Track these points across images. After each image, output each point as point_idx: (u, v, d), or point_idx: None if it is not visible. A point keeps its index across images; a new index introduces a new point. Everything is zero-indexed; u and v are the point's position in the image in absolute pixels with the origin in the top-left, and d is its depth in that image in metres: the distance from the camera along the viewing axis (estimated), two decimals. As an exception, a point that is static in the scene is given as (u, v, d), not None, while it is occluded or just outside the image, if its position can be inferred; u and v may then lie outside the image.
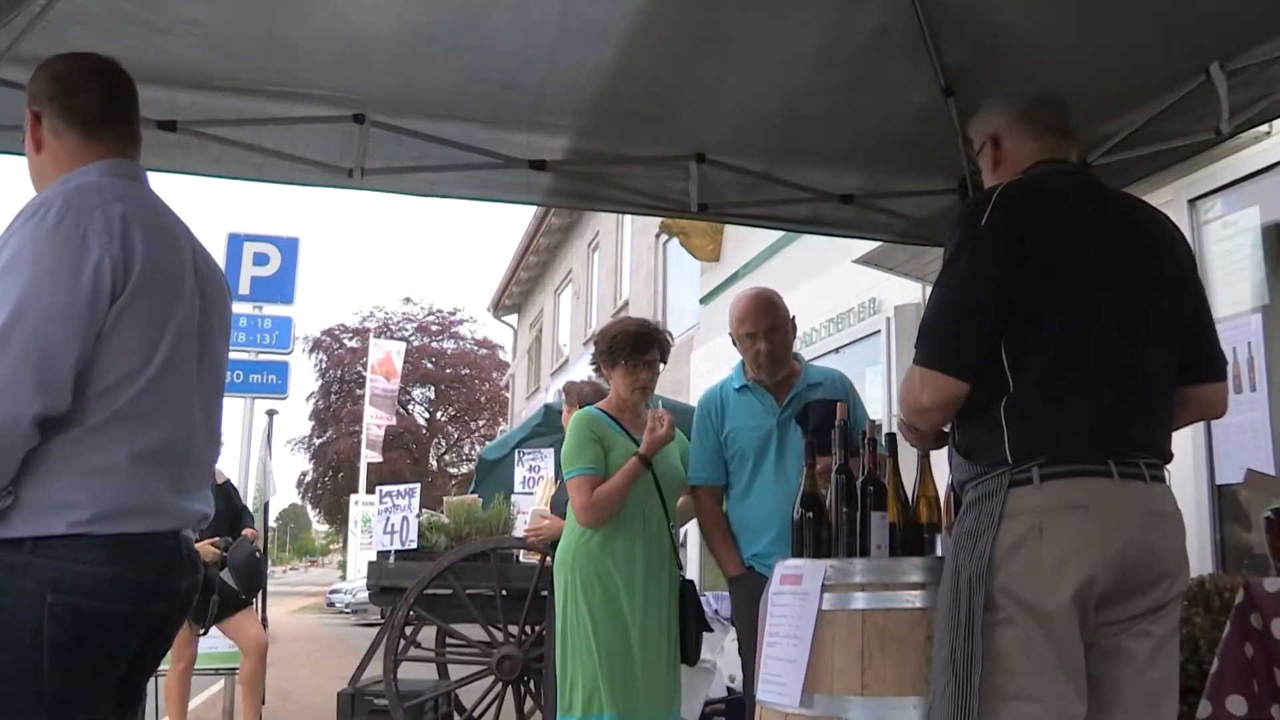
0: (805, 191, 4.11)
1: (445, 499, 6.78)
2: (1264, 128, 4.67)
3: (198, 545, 5.74)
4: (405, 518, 5.96)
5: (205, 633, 6.18)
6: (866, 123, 3.92)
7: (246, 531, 6.37)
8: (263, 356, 8.74)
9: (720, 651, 5.50)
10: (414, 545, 5.94)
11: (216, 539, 6.00)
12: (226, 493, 6.66)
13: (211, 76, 3.32)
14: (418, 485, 6.15)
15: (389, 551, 5.98)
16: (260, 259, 8.79)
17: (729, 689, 5.64)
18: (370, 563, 6.13)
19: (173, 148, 3.42)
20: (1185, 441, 4.80)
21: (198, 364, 2.16)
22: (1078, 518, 2.08)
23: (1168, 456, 2.25)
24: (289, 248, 8.94)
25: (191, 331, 2.13)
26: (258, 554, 6.42)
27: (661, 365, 4.06)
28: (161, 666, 6.45)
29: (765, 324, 3.70)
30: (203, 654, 6.55)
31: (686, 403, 5.95)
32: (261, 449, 8.24)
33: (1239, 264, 4.82)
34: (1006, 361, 2.17)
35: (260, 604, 7.03)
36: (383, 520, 6.01)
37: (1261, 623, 2.69)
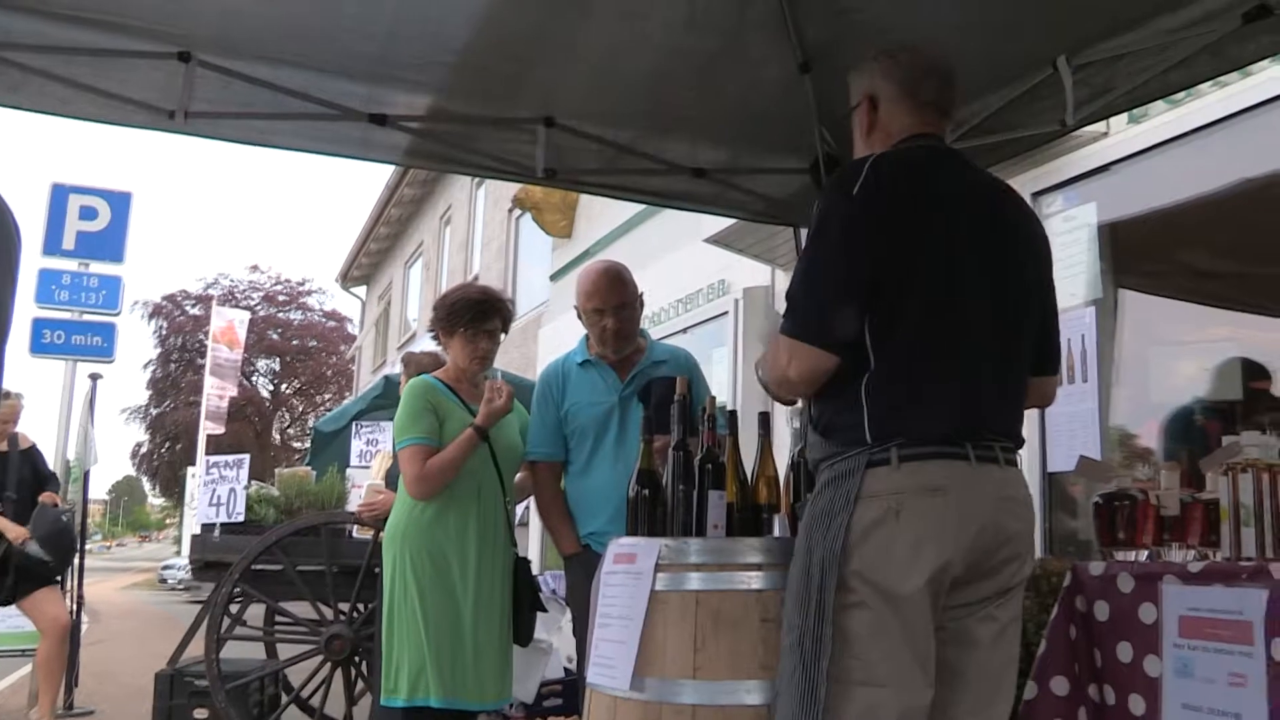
0: (658, 163, 4.01)
1: (277, 470, 6.50)
2: (1102, 127, 4.81)
3: None
4: (232, 489, 5.68)
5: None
6: (724, 95, 3.84)
7: (44, 496, 5.95)
8: (87, 317, 8.21)
9: (557, 631, 5.40)
10: (240, 518, 5.67)
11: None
12: (31, 458, 6.24)
13: (13, -6, 3.02)
14: (246, 456, 5.87)
15: (214, 525, 5.70)
16: (88, 213, 8.25)
17: (566, 669, 5.55)
18: (194, 536, 5.84)
19: (-40, 71, 3.11)
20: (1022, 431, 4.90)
21: None
22: (935, 501, 2.05)
23: (1020, 440, 2.24)
24: (120, 202, 8.42)
25: None
26: (65, 518, 6.00)
27: (503, 335, 3.92)
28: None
29: (614, 300, 3.60)
30: (3, 634, 6.13)
31: (530, 379, 5.82)
32: (83, 415, 7.76)
33: (1076, 259, 4.95)
34: (870, 338, 2.12)
35: (75, 579, 6.61)
36: (209, 492, 5.72)
37: (1085, 605, 2.72)
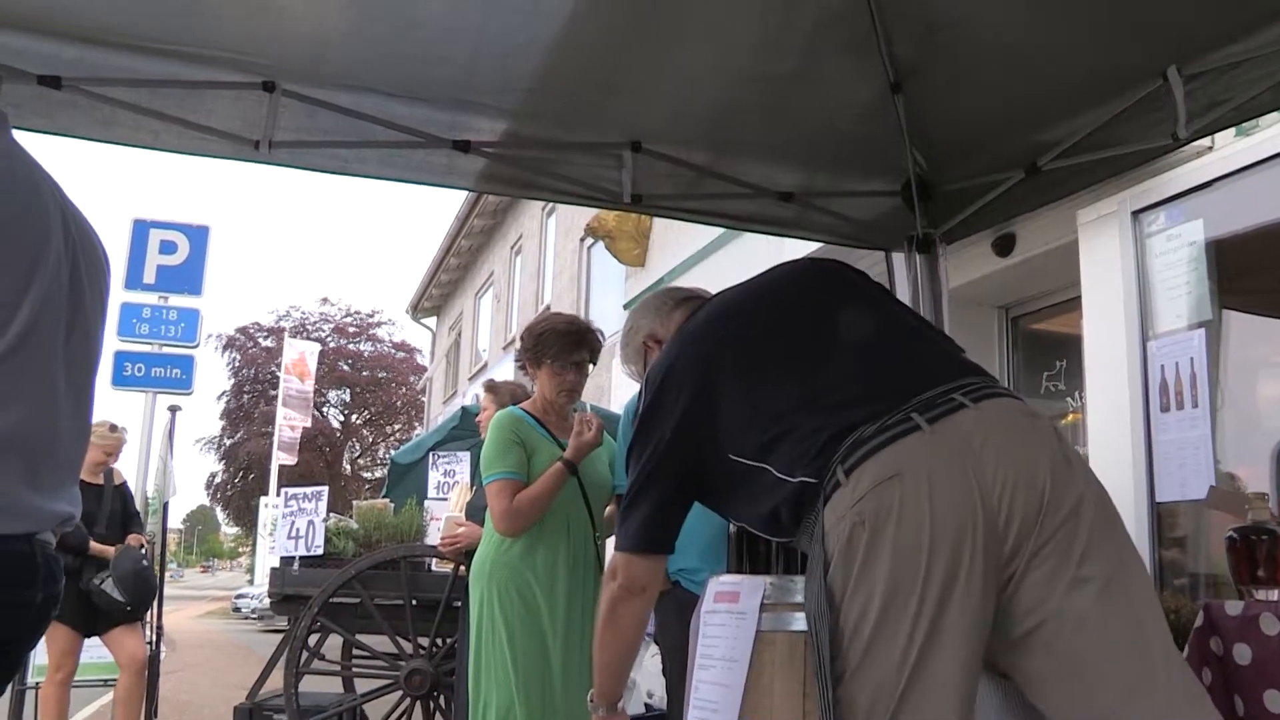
0: (744, 187, 3.91)
1: (355, 503, 6.47)
2: (1207, 141, 4.61)
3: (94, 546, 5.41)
4: (311, 522, 5.65)
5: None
6: (810, 117, 3.73)
7: (131, 538, 5.99)
8: (166, 349, 8.33)
9: (639, 667, 5.29)
10: (319, 551, 5.64)
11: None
12: (123, 494, 6.28)
13: (102, 29, 2.99)
14: (324, 488, 5.84)
15: (293, 557, 5.66)
16: (168, 247, 8.38)
17: (647, 705, 5.43)
18: (273, 569, 5.81)
19: (57, 107, 3.09)
20: (1125, 459, 4.72)
21: (66, 335, 1.86)
22: (894, 491, 1.77)
23: (986, 373, 2.02)
24: (198, 236, 8.54)
25: (59, 297, 1.83)
26: (145, 562, 6.04)
27: (591, 366, 3.84)
28: (38, 678, 6.15)
29: None
30: (86, 664, 6.16)
31: (610, 409, 5.74)
32: (163, 447, 7.82)
33: (1181, 279, 4.74)
34: (750, 464, 2.00)
35: (155, 611, 6.62)
36: (287, 524, 5.69)
37: (1222, 648, 2.54)
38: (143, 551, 6.08)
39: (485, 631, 3.54)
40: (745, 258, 8.31)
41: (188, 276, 8.38)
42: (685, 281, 9.49)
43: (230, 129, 3.32)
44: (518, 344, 3.89)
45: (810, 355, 2.08)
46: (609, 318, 12.33)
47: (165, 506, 7.43)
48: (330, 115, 3.38)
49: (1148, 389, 4.69)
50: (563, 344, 3.70)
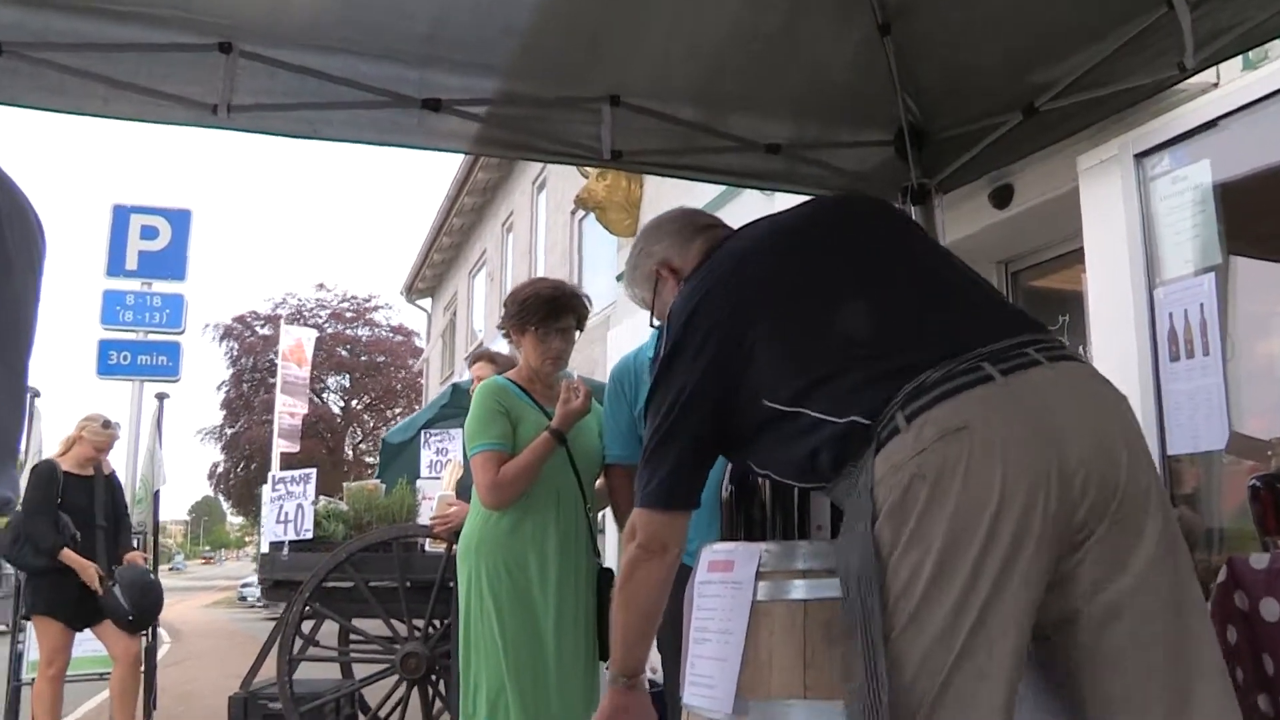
0: (729, 140, 3.74)
1: (345, 485, 6.35)
2: (1211, 76, 4.44)
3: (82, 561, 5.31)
4: (300, 505, 5.52)
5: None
6: (797, 66, 3.57)
7: (129, 557, 5.92)
8: (152, 336, 8.17)
9: (642, 644, 5.17)
10: (309, 535, 5.51)
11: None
12: (113, 485, 6.16)
13: (44, -10, 2.84)
14: (313, 471, 5.71)
15: (282, 542, 5.54)
16: (149, 232, 8.22)
17: (650, 681, 5.31)
18: (263, 555, 5.70)
19: (-1, 74, 2.93)
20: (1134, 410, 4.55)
21: None
22: (962, 443, 1.62)
23: (1050, 331, 1.87)
24: (180, 220, 8.38)
25: None
26: (151, 575, 5.97)
27: (578, 333, 3.69)
28: (32, 674, 6.05)
29: None
30: (80, 658, 6.05)
31: (603, 381, 5.60)
32: (151, 436, 7.68)
33: (1187, 223, 4.58)
34: (786, 409, 1.84)
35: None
36: (276, 509, 5.56)
37: (1247, 603, 2.40)
38: (146, 569, 6.03)
39: (474, 610, 3.40)
40: (742, 220, 8.14)
41: (170, 261, 8.21)
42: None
43: (187, 94, 3.16)
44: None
45: (859, 295, 1.90)
46: (601, 290, 12.21)
47: (156, 496, 7.30)
48: (292, 76, 3.21)
49: (1156, 339, 4.54)
50: (548, 310, 3.55)
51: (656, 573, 2.06)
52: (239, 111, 3.15)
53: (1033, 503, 1.61)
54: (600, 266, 12.36)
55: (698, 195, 8.13)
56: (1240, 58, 4.30)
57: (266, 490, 5.83)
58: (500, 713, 3.31)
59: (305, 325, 33.14)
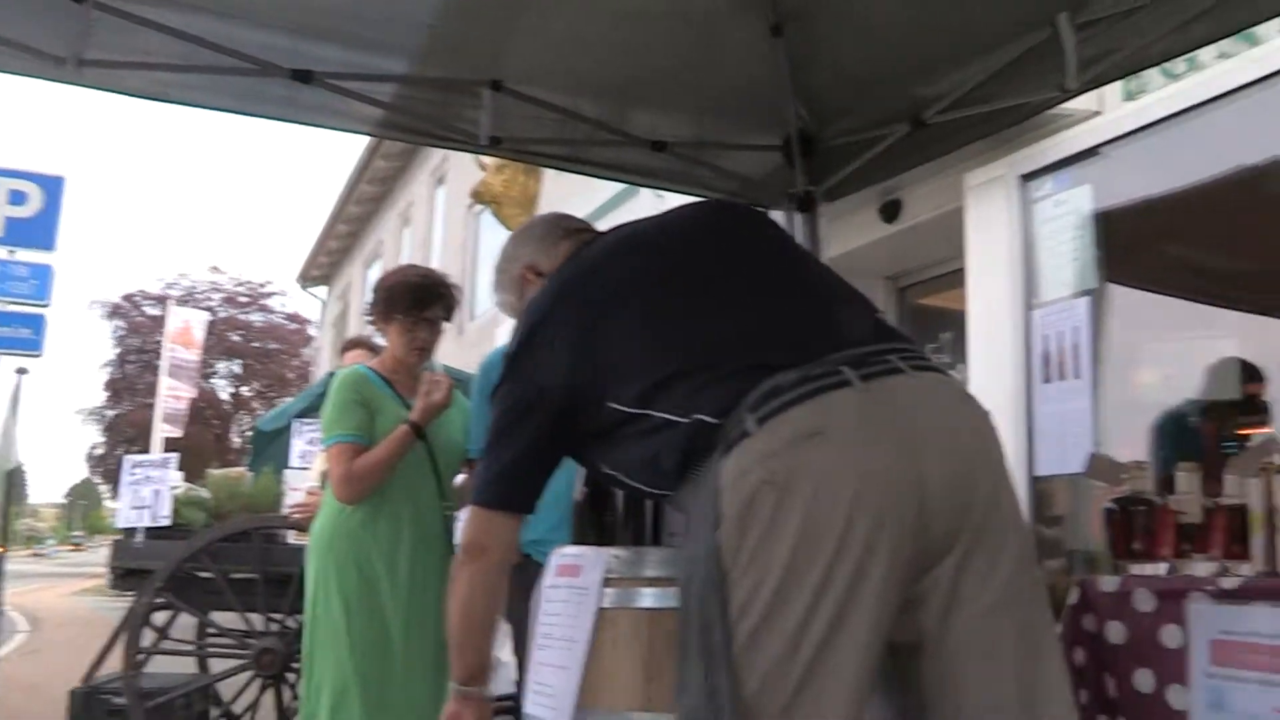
0: (612, 133, 3.65)
1: (208, 472, 6.11)
2: (1095, 104, 4.51)
3: None
4: (158, 490, 5.27)
5: None
6: (686, 62, 3.49)
7: None
8: (14, 307, 7.78)
9: (505, 645, 5.05)
10: (166, 522, 5.27)
11: None
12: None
13: None
14: (174, 455, 5.49)
15: (134, 529, 5.29)
16: (16, 197, 7.83)
17: (517, 684, 5.19)
18: (115, 541, 5.43)
19: None
20: (1005, 432, 4.58)
21: None
22: (815, 450, 1.55)
23: (916, 342, 1.80)
24: (53, 186, 8.00)
25: None
26: None
27: (445, 323, 3.56)
28: None
29: None
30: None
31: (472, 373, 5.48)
32: (6, 411, 7.31)
33: (1067, 247, 4.64)
34: (631, 411, 1.76)
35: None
36: (131, 493, 5.31)
37: (1095, 625, 2.39)
38: None
39: (321, 607, 3.26)
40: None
41: (39, 230, 7.83)
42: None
43: (34, 43, 2.95)
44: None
45: (718, 297, 1.83)
46: (497, 286, 12.08)
47: (7, 476, 6.94)
48: (152, 35, 3.02)
49: (1030, 359, 4.58)
50: (415, 298, 3.42)
51: (476, 577, 1.97)
52: (90, 67, 2.96)
53: (887, 515, 1.54)
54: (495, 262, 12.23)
55: (595, 193, 8.04)
56: (1121, 89, 4.38)
57: (124, 473, 5.56)
58: (343, 714, 3.16)
59: (197, 308, 32.30)
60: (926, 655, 1.63)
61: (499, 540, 1.96)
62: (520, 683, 2.91)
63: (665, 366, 1.73)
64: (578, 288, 1.91)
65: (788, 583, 1.53)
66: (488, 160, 9.84)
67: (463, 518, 3.71)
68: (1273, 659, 2.03)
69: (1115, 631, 2.34)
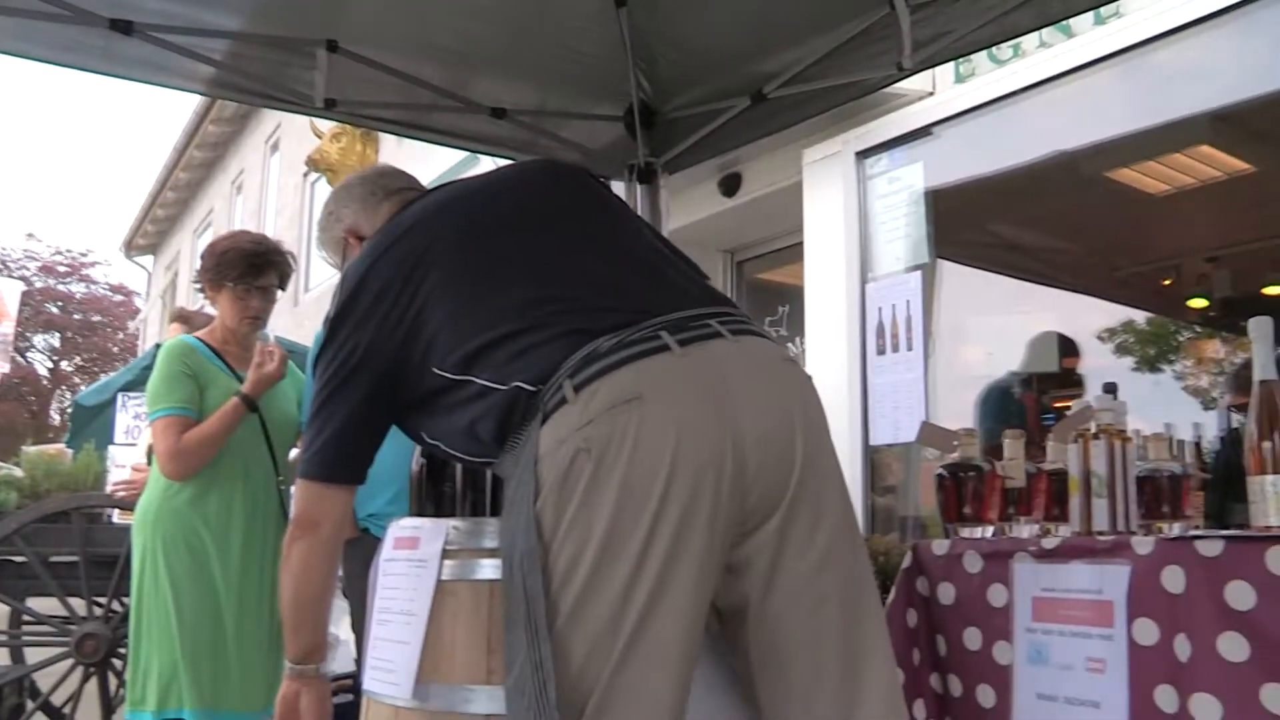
0: (451, 99, 3.58)
1: (23, 449, 5.76)
2: (928, 85, 4.64)
3: None
4: (-34, 471, 4.95)
5: None
6: (527, 29, 3.44)
7: None
8: None
9: (343, 622, 4.94)
10: (-26, 503, 4.95)
11: None
12: None
13: None
14: (-17, 432, 5.13)
15: (-61, 511, 4.95)
16: None
17: (358, 662, 5.08)
18: (-83, 525, 5.06)
19: None
20: (841, 403, 4.72)
21: None
22: (632, 415, 1.52)
23: (739, 309, 1.79)
24: None
25: None
26: None
27: (280, 292, 3.44)
28: None
29: None
30: None
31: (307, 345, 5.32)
32: None
33: (901, 222, 4.78)
34: (454, 377, 1.72)
35: None
36: (-65, 473, 4.96)
37: (928, 588, 2.47)
38: None
39: (147, 587, 3.11)
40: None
41: None
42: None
43: None
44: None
45: (541, 258, 1.78)
46: (334, 258, 11.75)
47: None
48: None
49: (865, 332, 4.72)
50: (248, 265, 3.28)
51: (308, 552, 1.90)
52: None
53: (705, 482, 1.52)
54: (333, 233, 11.90)
55: (434, 162, 7.89)
56: (953, 71, 4.53)
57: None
58: (173, 699, 3.04)
59: (11, 277, 30.51)
60: (751, 620, 1.64)
61: (330, 513, 1.90)
62: (360, 660, 2.85)
63: (486, 331, 1.69)
64: (397, 251, 1.84)
65: (608, 551, 1.52)
66: (324, 127, 9.53)
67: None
68: (1085, 612, 2.14)
69: (946, 593, 2.43)
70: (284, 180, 14.51)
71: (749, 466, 1.56)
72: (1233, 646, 1.91)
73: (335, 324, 1.83)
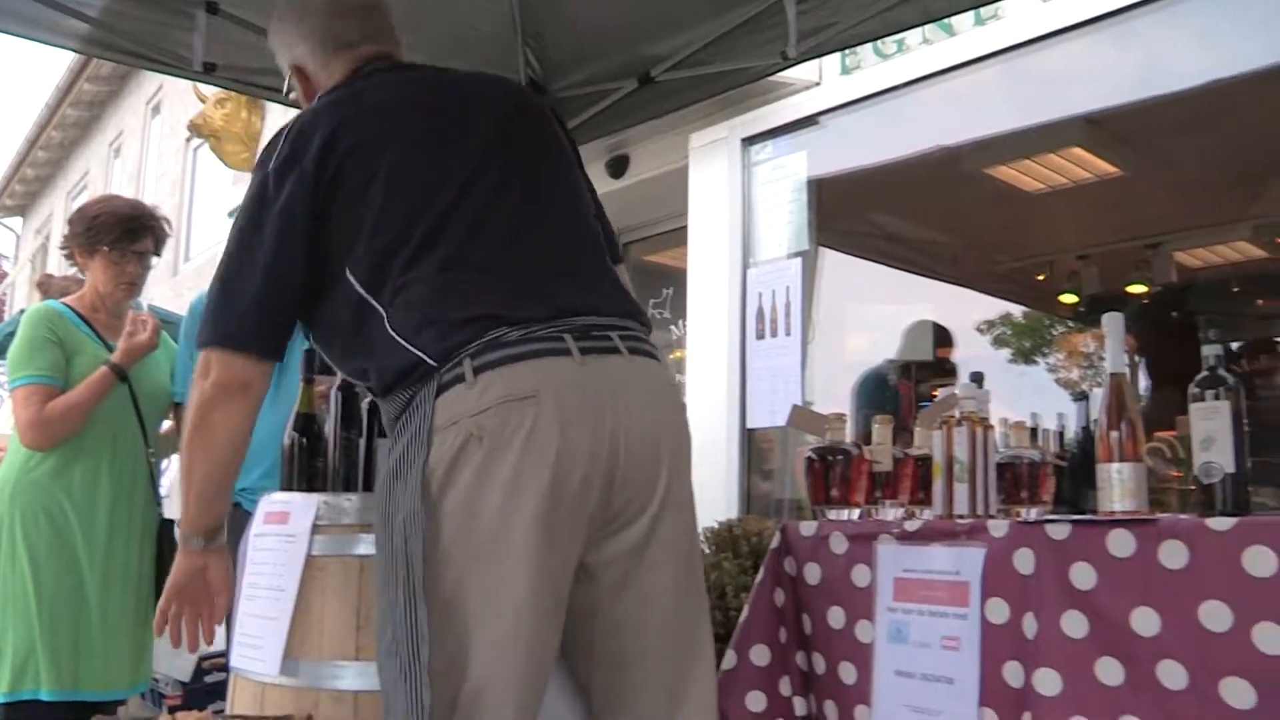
0: (339, 70, 3.51)
1: None
2: (814, 75, 4.72)
3: None
4: None
5: None
6: (418, 2, 3.40)
7: None
8: None
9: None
10: None
11: None
12: None
13: None
14: None
15: None
16: None
17: (228, 638, 4.99)
18: None
19: None
20: (720, 386, 4.80)
21: None
22: (528, 412, 1.60)
23: (643, 315, 1.88)
24: None
25: None
26: None
27: (155, 259, 3.35)
28: None
29: None
30: None
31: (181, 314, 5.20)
32: None
33: (784, 209, 4.86)
34: (363, 293, 1.74)
35: None
36: None
37: (795, 568, 2.54)
38: None
39: (4, 563, 3.00)
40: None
41: None
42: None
43: None
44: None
45: (488, 220, 1.78)
46: (214, 223, 11.42)
47: None
48: None
49: (745, 316, 4.80)
50: (124, 230, 3.19)
51: (237, 415, 1.81)
52: None
53: (580, 487, 1.62)
54: (214, 200, 11.56)
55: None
56: (839, 62, 4.62)
57: None
58: (27, 679, 2.93)
59: None
60: (600, 621, 1.74)
61: (259, 377, 1.81)
62: (229, 636, 2.81)
63: (409, 269, 1.70)
64: (358, 124, 1.80)
65: (485, 534, 1.59)
66: (207, 91, 9.25)
67: (168, 466, 3.54)
68: (942, 593, 2.22)
69: (812, 573, 2.49)
70: (165, 145, 14.02)
71: (617, 479, 1.67)
72: (1074, 624, 2.02)
73: (266, 178, 1.78)
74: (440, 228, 1.74)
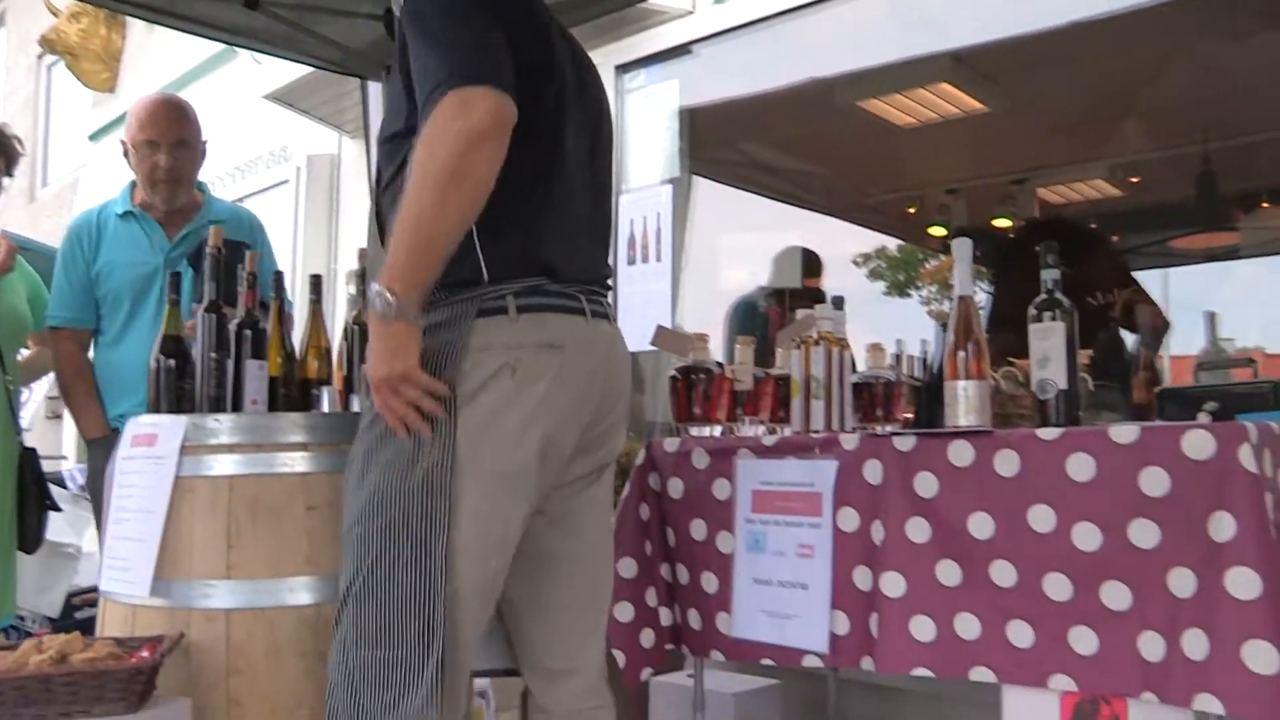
0: (203, -15, 3.43)
1: None
2: (688, 4, 4.76)
3: None
4: None
5: None
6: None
7: None
8: None
9: (88, 534, 4.76)
10: None
11: None
12: None
13: None
14: None
15: None
16: None
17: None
18: None
19: None
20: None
21: None
22: (553, 360, 1.80)
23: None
24: None
25: None
26: None
27: (8, 179, 3.25)
28: None
29: (172, 134, 3.05)
30: None
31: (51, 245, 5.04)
32: None
33: (656, 136, 4.92)
34: None
35: None
36: None
37: (659, 483, 2.63)
38: None
39: None
40: (228, 87, 7.64)
41: None
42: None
43: None
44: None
45: (579, 156, 1.94)
46: (71, 149, 10.98)
47: None
48: None
49: (617, 242, 4.85)
50: (-28, 152, 3.09)
51: (497, 158, 1.65)
52: None
53: (569, 437, 1.85)
54: (72, 121, 11.08)
55: (188, 52, 7.53)
56: (715, -11, 4.66)
57: None
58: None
59: None
60: (544, 562, 1.96)
61: (512, 117, 1.67)
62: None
63: (519, 182, 1.77)
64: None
65: (498, 455, 1.76)
66: (60, 4, 8.83)
67: (27, 397, 3.46)
68: (797, 503, 2.34)
69: (675, 487, 2.59)
70: (13, 60, 13.32)
71: (592, 437, 1.93)
72: (917, 530, 2.16)
73: None
74: (557, 160, 1.88)
